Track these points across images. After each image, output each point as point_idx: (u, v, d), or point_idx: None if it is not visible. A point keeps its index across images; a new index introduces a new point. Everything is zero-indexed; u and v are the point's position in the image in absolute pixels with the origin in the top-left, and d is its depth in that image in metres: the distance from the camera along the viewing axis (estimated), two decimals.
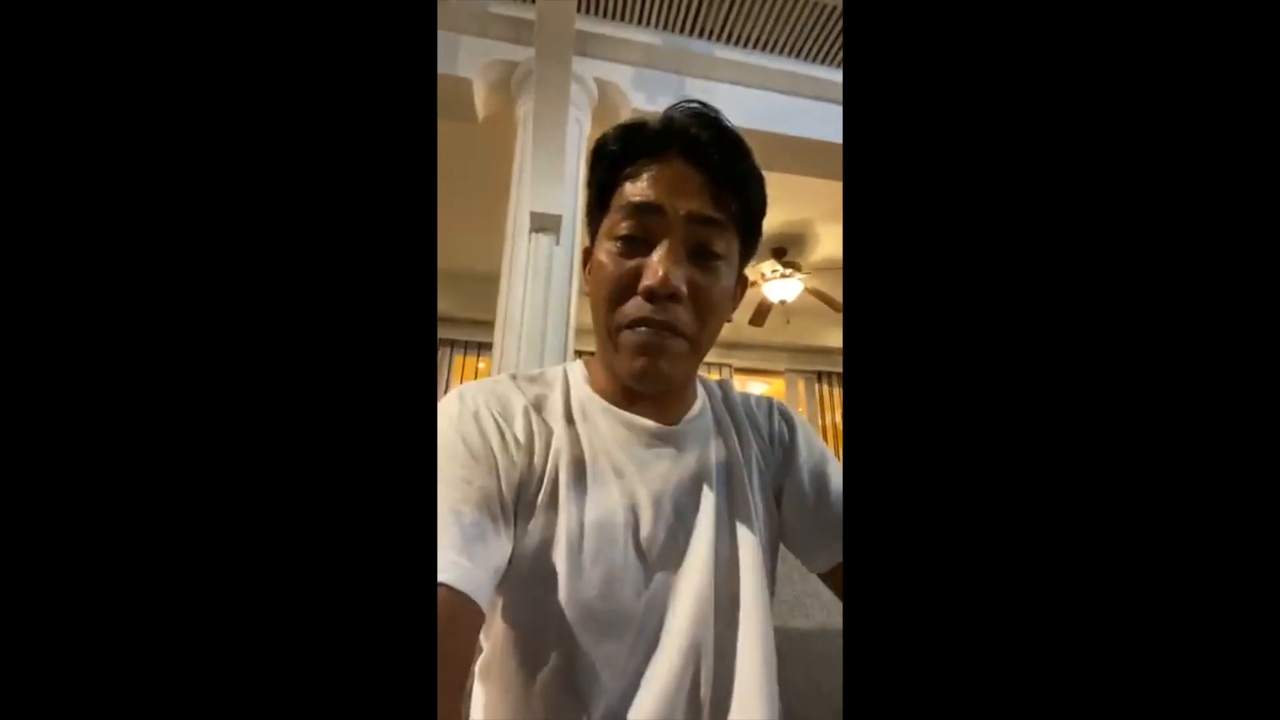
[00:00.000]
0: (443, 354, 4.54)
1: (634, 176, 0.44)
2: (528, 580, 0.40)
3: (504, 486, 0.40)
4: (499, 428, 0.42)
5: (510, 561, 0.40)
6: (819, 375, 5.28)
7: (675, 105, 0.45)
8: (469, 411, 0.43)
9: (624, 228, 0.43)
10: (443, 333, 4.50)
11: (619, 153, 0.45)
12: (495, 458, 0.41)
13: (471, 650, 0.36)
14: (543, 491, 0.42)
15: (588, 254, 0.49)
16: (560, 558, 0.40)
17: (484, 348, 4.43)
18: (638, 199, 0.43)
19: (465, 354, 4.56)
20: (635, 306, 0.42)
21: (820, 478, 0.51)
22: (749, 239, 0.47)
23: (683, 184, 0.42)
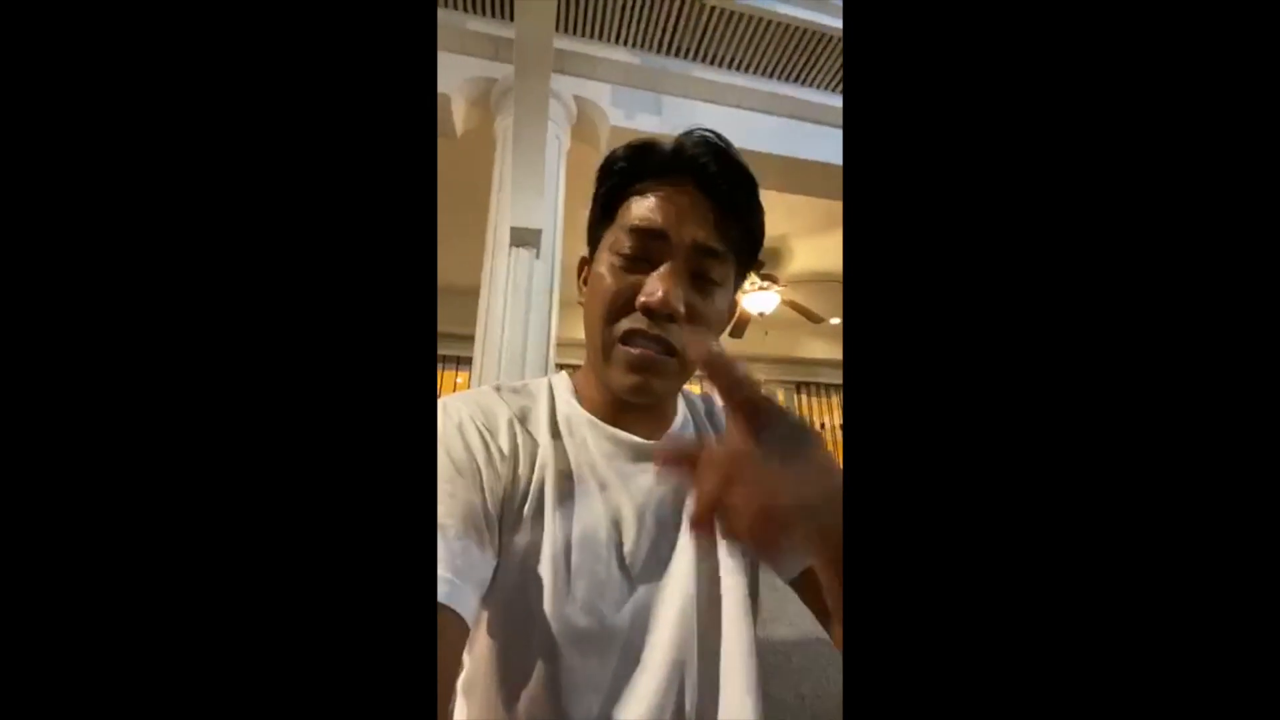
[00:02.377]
0: None
1: (642, 195, 0.45)
2: (512, 595, 0.40)
3: (488, 500, 0.40)
4: (484, 440, 0.42)
5: (494, 576, 0.40)
6: (798, 385, 5.34)
7: (688, 132, 0.46)
8: (453, 423, 0.43)
9: (628, 246, 0.44)
10: None
11: (628, 169, 0.45)
12: (480, 470, 0.41)
13: (457, 666, 0.36)
14: (528, 505, 0.42)
15: (584, 263, 0.49)
16: (545, 572, 0.40)
17: (462, 362, 4.39)
18: (644, 224, 0.43)
19: (444, 368, 4.51)
20: (633, 321, 0.43)
21: None
22: (744, 267, 0.49)
23: (690, 212, 0.43)
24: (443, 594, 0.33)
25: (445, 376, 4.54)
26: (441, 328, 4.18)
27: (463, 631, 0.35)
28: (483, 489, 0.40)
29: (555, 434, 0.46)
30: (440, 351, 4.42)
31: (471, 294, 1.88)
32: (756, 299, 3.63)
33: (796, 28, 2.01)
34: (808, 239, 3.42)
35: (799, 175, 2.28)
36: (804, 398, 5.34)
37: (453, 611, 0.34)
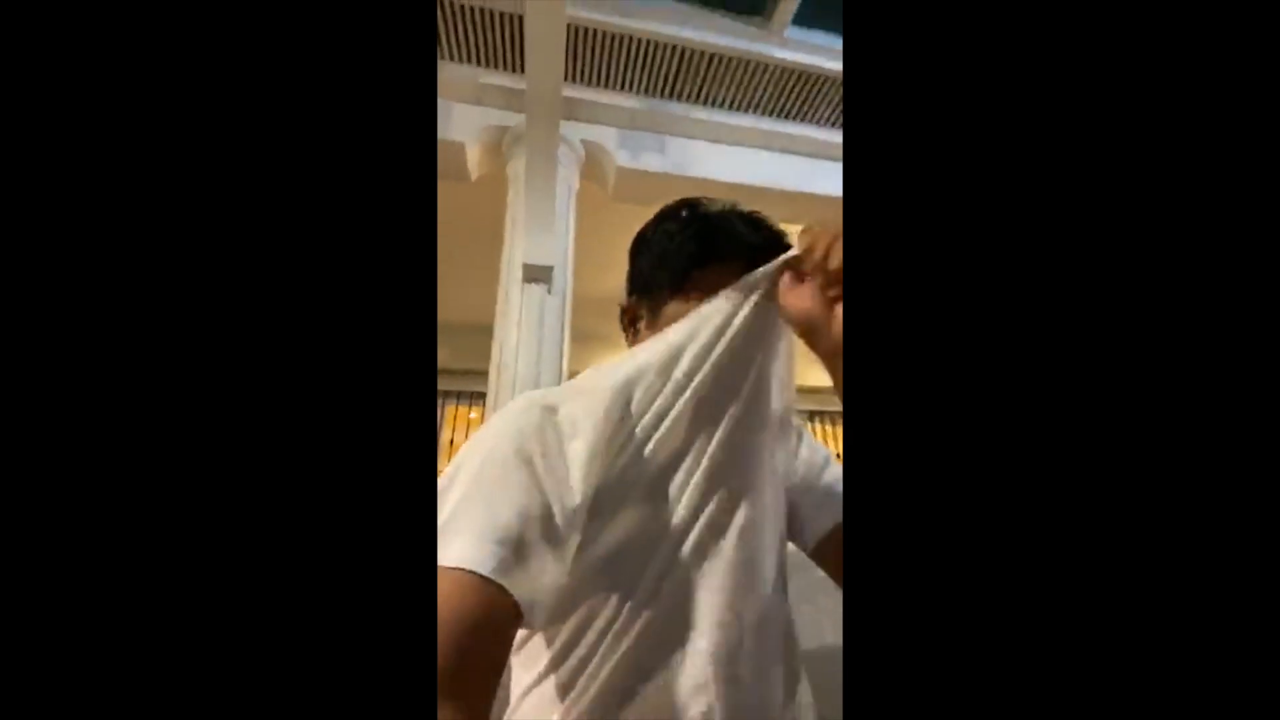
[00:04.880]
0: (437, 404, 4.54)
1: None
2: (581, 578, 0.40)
3: (563, 496, 0.39)
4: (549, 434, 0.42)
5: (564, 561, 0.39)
6: (810, 415, 5.32)
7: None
8: (533, 422, 0.43)
9: None
10: (440, 384, 4.52)
11: None
12: (553, 465, 0.40)
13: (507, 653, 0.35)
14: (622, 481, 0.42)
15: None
16: (624, 549, 0.41)
17: (476, 398, 4.44)
18: None
19: (459, 404, 4.57)
20: None
21: (817, 465, 0.56)
22: None
23: None
24: (504, 579, 0.33)
25: (460, 412, 4.59)
26: (457, 364, 4.26)
27: (516, 617, 0.34)
28: (553, 486, 0.40)
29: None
30: (454, 388, 4.50)
31: (484, 330, 1.94)
32: None
33: (784, 70, 2.12)
34: None
35: (791, 205, 2.36)
36: (817, 426, 5.32)
37: (507, 593, 0.33)
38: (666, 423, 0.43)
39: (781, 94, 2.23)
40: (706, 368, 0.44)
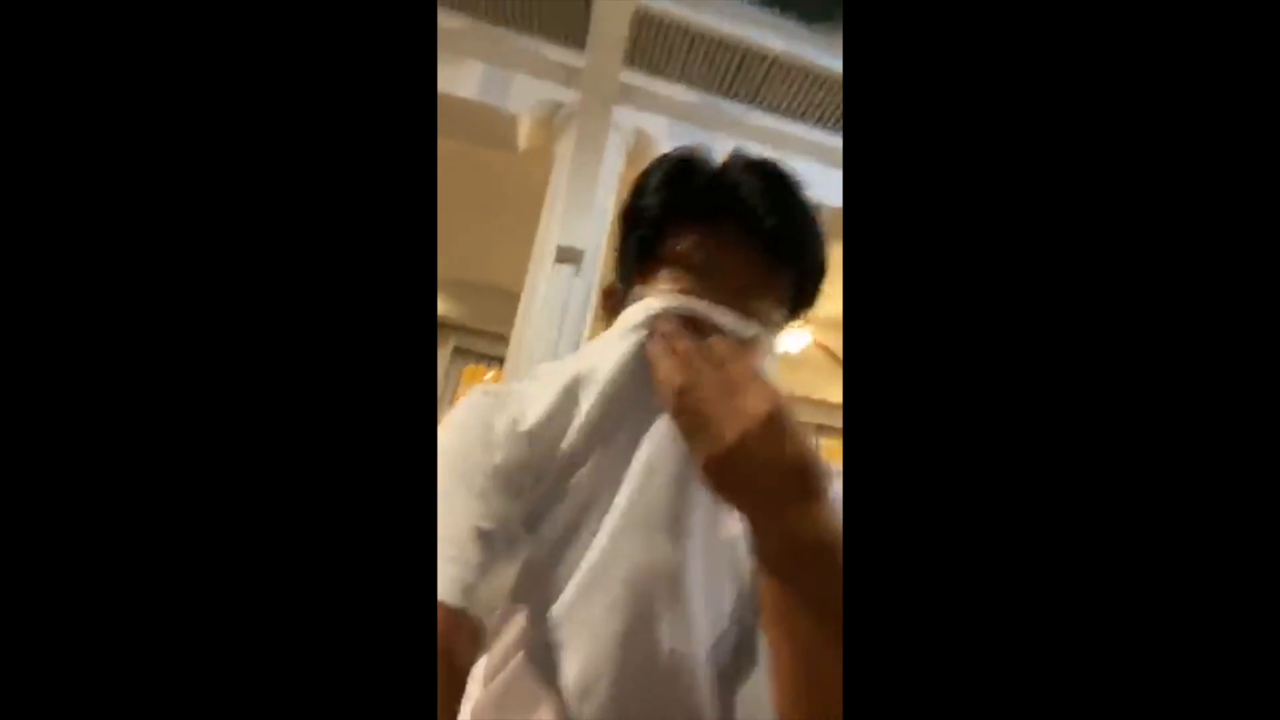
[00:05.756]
0: (457, 362, 4.69)
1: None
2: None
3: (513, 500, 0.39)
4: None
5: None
6: (818, 428, 5.29)
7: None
8: (482, 423, 0.41)
9: None
10: (462, 342, 4.67)
11: None
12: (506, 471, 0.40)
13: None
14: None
15: None
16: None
17: (494, 360, 4.56)
18: None
19: (478, 364, 4.70)
20: None
21: None
22: None
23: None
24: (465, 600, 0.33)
25: (478, 372, 4.73)
26: (488, 326, 4.38)
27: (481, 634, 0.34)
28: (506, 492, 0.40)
29: None
30: (481, 349, 4.64)
31: (514, 297, 1.99)
32: (783, 338, 3.62)
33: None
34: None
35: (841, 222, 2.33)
36: (827, 440, 5.29)
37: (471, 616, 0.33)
38: (569, 461, 0.39)
39: (840, 105, 2.19)
40: (592, 434, 0.39)
